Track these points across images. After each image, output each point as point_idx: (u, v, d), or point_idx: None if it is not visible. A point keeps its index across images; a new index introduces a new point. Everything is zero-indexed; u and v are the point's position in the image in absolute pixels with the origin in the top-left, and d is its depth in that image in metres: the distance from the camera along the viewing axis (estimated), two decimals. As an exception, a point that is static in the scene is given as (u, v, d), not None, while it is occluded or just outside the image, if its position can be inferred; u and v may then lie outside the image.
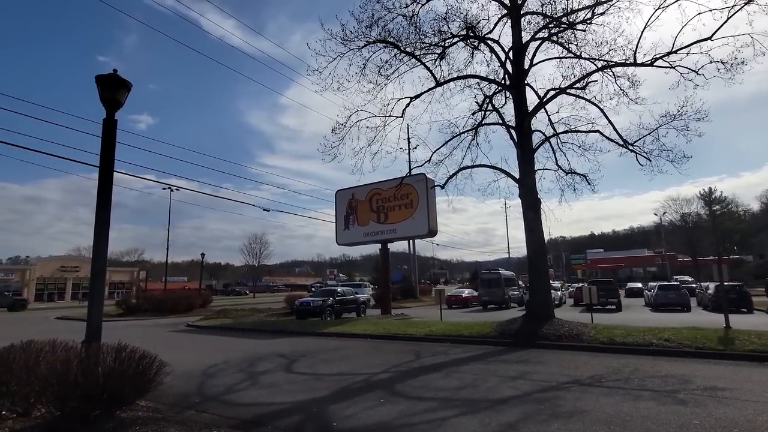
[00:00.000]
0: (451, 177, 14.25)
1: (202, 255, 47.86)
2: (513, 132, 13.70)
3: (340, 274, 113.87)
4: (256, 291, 71.27)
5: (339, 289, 23.46)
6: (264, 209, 24.88)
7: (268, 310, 25.62)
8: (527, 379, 7.27)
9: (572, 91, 13.83)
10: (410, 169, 25.70)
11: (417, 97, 14.18)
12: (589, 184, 14.50)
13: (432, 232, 21.57)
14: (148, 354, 4.96)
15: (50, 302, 59.66)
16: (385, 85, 14.06)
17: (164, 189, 46.38)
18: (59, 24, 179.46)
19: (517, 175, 13.55)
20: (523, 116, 13.35)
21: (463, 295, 31.67)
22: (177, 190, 38.36)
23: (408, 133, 32.42)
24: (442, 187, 14.72)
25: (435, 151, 14.48)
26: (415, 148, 32.36)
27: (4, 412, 4.76)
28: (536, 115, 13.79)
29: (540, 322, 11.78)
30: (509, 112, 14.41)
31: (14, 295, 44.10)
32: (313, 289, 60.10)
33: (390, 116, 14.14)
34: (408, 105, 14.14)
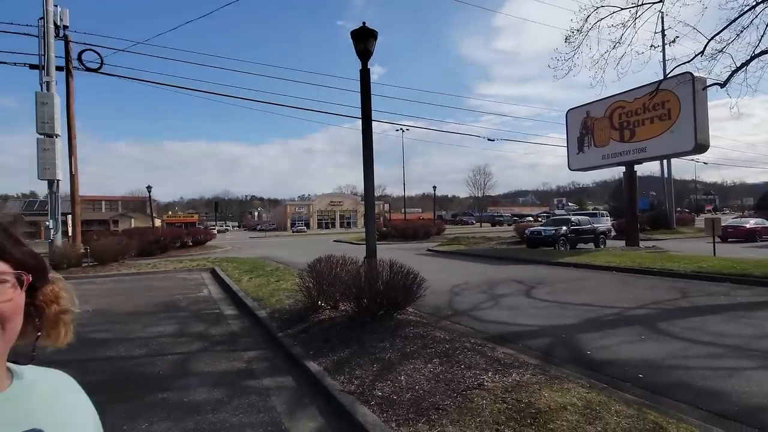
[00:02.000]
0: (739, 69, 10.55)
1: (434, 188, 52.21)
2: None
3: (569, 203, 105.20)
4: (481, 221, 73.93)
5: (573, 218, 21.77)
6: (489, 139, 24.80)
7: (497, 238, 26.29)
8: None
9: None
10: (665, 71, 20.39)
11: (685, -33, 10.70)
12: None
13: (700, 148, 17.02)
14: (413, 270, 5.85)
15: (326, 229, 77.59)
16: (635, -36, 11.12)
17: (397, 131, 51.73)
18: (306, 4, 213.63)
19: None
20: None
21: (747, 226, 24.50)
22: (407, 130, 42.15)
23: (662, 23, 25.42)
24: (723, 85, 11.11)
25: (712, 38, 10.87)
26: (673, 42, 25.16)
27: (322, 304, 6.59)
28: None
29: None
30: None
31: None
32: (539, 219, 57.86)
33: (643, 4, 11.26)
34: (669, -17, 10.87)
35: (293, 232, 67.71)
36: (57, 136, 15.58)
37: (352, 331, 5.55)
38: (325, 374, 4.35)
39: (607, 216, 35.31)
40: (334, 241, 34.36)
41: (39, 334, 0.70)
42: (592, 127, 20.48)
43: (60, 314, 0.71)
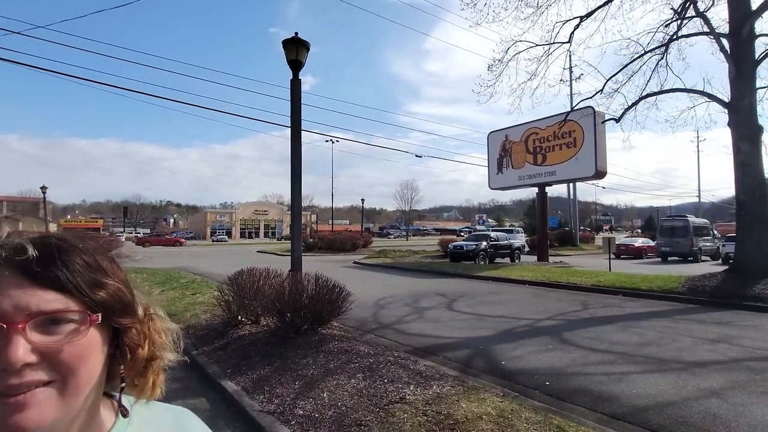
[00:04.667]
0: (630, 108, 12.15)
1: (362, 200, 52.62)
2: (724, 42, 10.74)
3: (489, 219, 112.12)
4: (408, 234, 75.84)
5: (492, 234, 23.20)
6: (417, 156, 25.74)
7: (422, 252, 27.08)
8: (733, 344, 6.17)
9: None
10: (572, 103, 22.78)
11: (589, 15, 12.15)
12: None
13: (599, 174, 19.19)
14: (338, 284, 5.79)
15: (249, 239, 74.25)
16: (547, 7, 12.40)
17: (327, 141, 51.49)
18: (237, 5, 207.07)
19: (726, 98, 10.77)
20: (744, 18, 10.27)
21: (636, 245, 27.95)
22: (337, 141, 42.18)
23: (570, 61, 28.53)
24: (617, 120, 12.72)
25: (609, 79, 12.42)
26: (578, 78, 28.17)
27: (243, 319, 6.25)
28: (763, 14, 10.46)
29: (751, 279, 9.67)
30: (720, 16, 11.27)
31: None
32: (462, 234, 60.76)
33: (554, 43, 12.55)
34: (577, 27, 12.27)
35: (213, 241, 63.89)
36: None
37: (273, 347, 5.33)
38: (243, 394, 4.11)
39: (521, 232, 38.11)
40: (258, 251, 33.00)
41: (123, 384, 0.56)
42: (510, 150, 22.15)
43: (149, 360, 0.57)
